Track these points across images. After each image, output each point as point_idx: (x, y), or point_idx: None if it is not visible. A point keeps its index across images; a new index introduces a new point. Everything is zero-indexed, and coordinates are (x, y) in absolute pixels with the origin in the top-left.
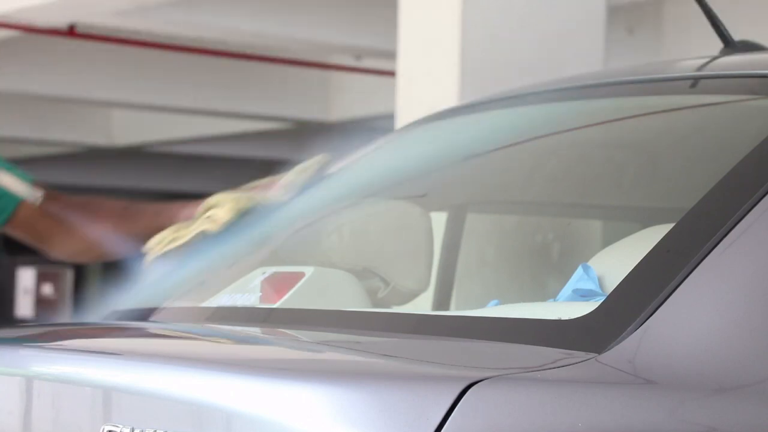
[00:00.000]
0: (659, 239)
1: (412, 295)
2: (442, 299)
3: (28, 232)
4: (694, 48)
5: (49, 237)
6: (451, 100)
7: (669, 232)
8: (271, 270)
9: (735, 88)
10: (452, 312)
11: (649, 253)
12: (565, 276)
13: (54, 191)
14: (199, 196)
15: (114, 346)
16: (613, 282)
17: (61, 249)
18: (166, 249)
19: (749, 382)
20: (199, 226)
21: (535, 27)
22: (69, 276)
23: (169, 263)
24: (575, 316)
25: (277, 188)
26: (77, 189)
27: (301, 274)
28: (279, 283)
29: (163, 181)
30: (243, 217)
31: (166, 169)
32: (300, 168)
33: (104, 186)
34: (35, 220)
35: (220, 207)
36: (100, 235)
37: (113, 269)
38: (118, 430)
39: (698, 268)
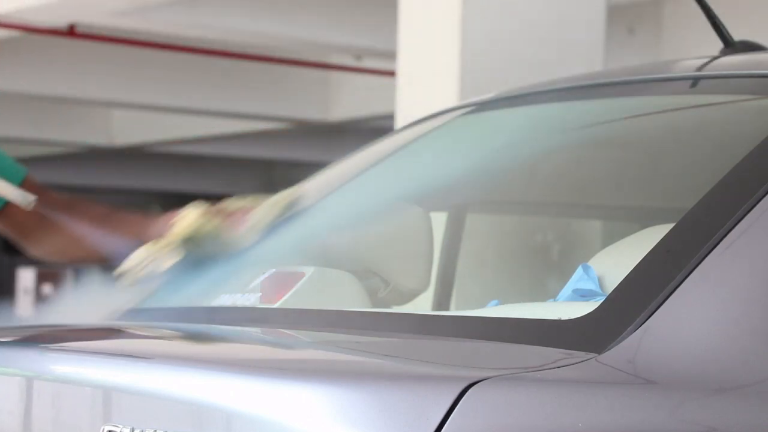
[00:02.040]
0: (659, 239)
1: (412, 295)
2: (442, 299)
3: (12, 226)
4: (694, 48)
5: (32, 233)
6: (451, 100)
7: (669, 232)
8: (271, 270)
9: (735, 88)
10: (452, 312)
11: (649, 253)
12: (565, 276)
13: (42, 187)
14: (197, 197)
15: (114, 346)
16: (613, 282)
17: (42, 247)
18: (138, 275)
19: (749, 382)
20: (160, 249)
21: (535, 27)
22: (69, 276)
23: (143, 284)
24: (575, 316)
25: (243, 227)
26: (77, 189)
27: (301, 274)
28: (279, 283)
29: (162, 180)
30: (198, 241)
31: (166, 169)
32: (269, 204)
33: (104, 186)
34: (22, 215)
35: (180, 228)
36: (83, 236)
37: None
38: (118, 430)
39: (698, 268)
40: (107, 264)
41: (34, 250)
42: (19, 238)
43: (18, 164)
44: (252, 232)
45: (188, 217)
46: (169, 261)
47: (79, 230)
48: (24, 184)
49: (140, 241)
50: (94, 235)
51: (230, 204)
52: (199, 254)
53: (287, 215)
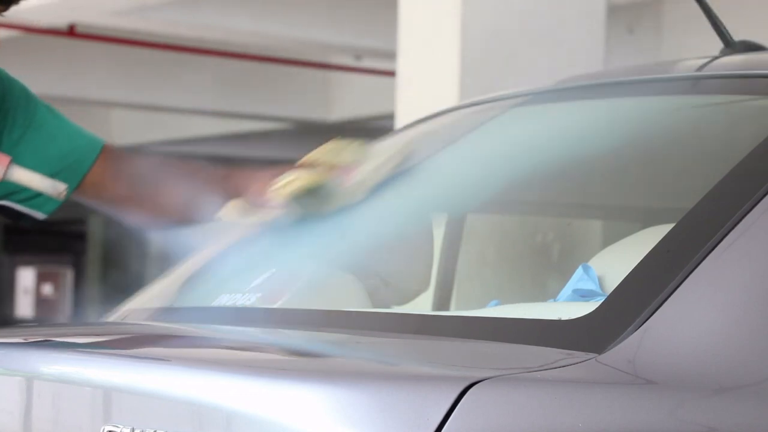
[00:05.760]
0: (659, 239)
1: (412, 295)
2: (442, 299)
3: (100, 195)
4: (694, 48)
5: (125, 201)
6: (451, 100)
7: (669, 232)
8: (271, 270)
9: (735, 88)
10: (452, 312)
11: (649, 253)
12: (565, 276)
13: (126, 155)
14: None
15: (114, 346)
16: (613, 282)
17: (139, 213)
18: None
19: (749, 382)
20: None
21: (535, 26)
22: (69, 276)
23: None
24: (575, 316)
25: (350, 182)
26: None
27: (302, 275)
28: (279, 283)
29: None
30: (305, 197)
31: None
32: (380, 161)
33: None
34: (109, 185)
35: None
36: (196, 196)
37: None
38: (118, 430)
39: (698, 268)
40: (202, 220)
41: (130, 217)
42: (112, 208)
43: (95, 137)
44: (362, 189)
45: (296, 174)
46: (281, 213)
47: (191, 190)
48: (103, 154)
49: (234, 197)
50: (208, 194)
51: (328, 154)
52: (311, 209)
53: (398, 171)
